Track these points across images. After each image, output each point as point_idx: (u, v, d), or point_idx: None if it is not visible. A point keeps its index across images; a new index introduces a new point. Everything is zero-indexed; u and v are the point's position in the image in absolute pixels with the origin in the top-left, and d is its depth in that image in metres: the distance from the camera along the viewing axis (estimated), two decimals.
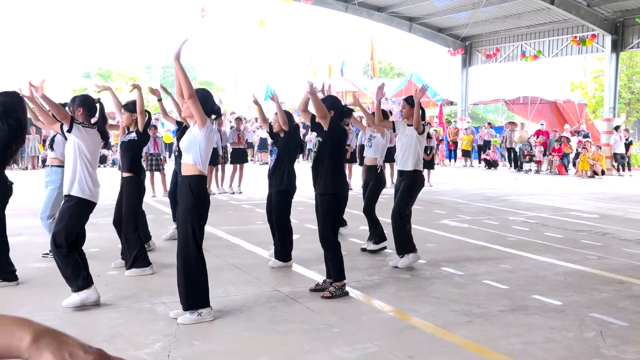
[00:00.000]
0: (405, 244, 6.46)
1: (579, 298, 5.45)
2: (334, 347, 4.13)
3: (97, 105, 5.27)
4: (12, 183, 5.63)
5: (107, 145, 5.52)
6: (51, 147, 6.68)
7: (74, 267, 4.79)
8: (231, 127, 15.43)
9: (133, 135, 6.38)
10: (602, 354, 4.10)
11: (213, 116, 4.96)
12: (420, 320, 4.76)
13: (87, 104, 5.21)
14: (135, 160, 6.40)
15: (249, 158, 20.35)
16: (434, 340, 4.34)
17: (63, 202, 5.05)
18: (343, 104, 6.00)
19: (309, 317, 4.78)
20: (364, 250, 7.29)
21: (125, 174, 6.32)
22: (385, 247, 7.27)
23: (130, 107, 6.45)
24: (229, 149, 13.77)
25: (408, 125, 6.58)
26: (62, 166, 5.90)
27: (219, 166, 13.34)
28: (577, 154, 20.34)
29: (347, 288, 5.46)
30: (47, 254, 6.66)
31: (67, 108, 5.34)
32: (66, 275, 4.81)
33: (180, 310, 4.70)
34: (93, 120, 5.28)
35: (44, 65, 50.64)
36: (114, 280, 5.79)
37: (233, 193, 13.23)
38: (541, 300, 5.37)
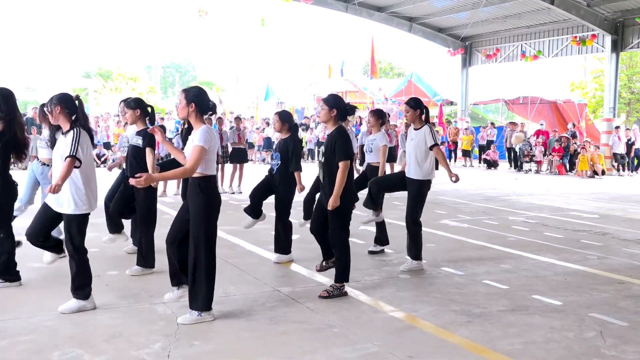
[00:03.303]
0: (420, 250, 6.45)
1: (579, 298, 5.45)
2: (334, 347, 4.13)
3: (77, 102, 4.89)
4: (17, 184, 5.60)
5: (93, 143, 5.10)
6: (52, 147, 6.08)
7: (85, 278, 4.80)
8: (231, 127, 15.40)
9: (139, 140, 6.08)
10: (602, 354, 4.10)
11: (209, 112, 4.91)
12: (421, 320, 4.76)
13: (65, 102, 4.82)
14: (143, 168, 5.97)
15: (249, 158, 20.33)
16: (434, 340, 4.34)
17: (64, 220, 4.86)
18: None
19: (309, 317, 4.78)
20: (371, 252, 7.24)
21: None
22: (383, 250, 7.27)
23: (131, 104, 6.17)
24: (229, 149, 13.73)
25: (415, 129, 6.50)
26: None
27: (219, 166, 13.32)
28: (576, 154, 20.33)
29: (347, 288, 5.46)
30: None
31: (45, 109, 5.10)
32: (77, 283, 4.78)
33: (172, 294, 4.87)
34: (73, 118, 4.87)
35: (44, 65, 50.64)
36: (114, 280, 5.79)
37: (233, 193, 13.22)
38: (541, 300, 5.37)
